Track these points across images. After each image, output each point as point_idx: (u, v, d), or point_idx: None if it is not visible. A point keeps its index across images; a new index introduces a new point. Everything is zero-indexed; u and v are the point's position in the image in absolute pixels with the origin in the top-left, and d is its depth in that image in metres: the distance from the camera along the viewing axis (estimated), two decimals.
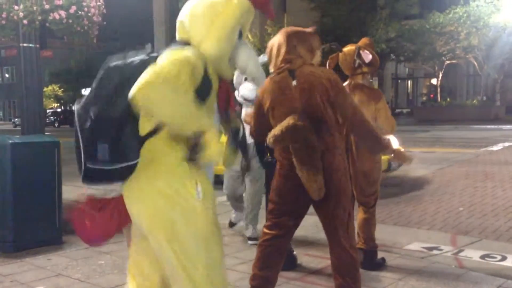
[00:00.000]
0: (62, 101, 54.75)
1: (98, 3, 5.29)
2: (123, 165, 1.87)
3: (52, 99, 52.78)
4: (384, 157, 6.90)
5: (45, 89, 45.35)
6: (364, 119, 2.85)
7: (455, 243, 4.54)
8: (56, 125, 45.57)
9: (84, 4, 5.02)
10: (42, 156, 4.40)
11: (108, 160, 1.86)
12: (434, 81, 35.67)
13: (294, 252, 3.94)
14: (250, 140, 3.80)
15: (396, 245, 4.36)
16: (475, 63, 29.87)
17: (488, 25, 27.41)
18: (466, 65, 33.43)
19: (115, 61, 1.95)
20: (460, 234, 4.91)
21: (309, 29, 2.91)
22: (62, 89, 51.47)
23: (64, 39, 6.01)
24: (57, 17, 4.84)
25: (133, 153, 1.88)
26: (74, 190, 7.59)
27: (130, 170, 1.89)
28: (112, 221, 2.02)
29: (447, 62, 30.64)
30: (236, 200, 4.66)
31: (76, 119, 1.88)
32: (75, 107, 1.91)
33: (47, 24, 4.96)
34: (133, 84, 1.75)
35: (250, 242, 4.43)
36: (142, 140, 1.90)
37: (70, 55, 49.15)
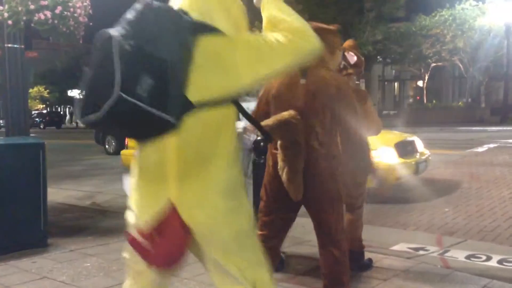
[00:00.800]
0: (47, 103, 54.29)
1: (84, 4, 5.25)
2: (160, 113, 1.54)
3: (37, 100, 52.31)
4: (410, 160, 6.91)
5: (30, 90, 44.93)
6: (363, 142, 2.88)
7: (441, 244, 4.58)
8: (41, 126, 45.16)
9: (70, 4, 4.98)
10: (26, 158, 4.35)
11: (146, 97, 1.52)
12: (420, 83, 35.94)
13: (282, 253, 3.94)
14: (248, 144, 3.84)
15: (383, 246, 4.38)
16: (461, 65, 30.19)
17: (473, 28, 27.72)
18: (451, 67, 33.73)
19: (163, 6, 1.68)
20: (446, 235, 4.95)
21: (332, 27, 2.88)
22: (47, 90, 51.05)
23: (49, 40, 5.96)
24: (43, 17, 4.79)
25: (173, 109, 1.57)
26: (59, 193, 7.57)
27: (161, 128, 1.59)
28: (175, 240, 1.76)
29: (433, 64, 30.91)
30: None
31: (113, 41, 1.54)
32: (110, 31, 1.59)
33: (32, 25, 4.91)
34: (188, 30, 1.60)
35: None
36: (187, 107, 1.61)
37: (56, 56, 48.77)
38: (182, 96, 1.60)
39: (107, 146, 15.34)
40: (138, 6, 1.65)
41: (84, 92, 1.60)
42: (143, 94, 1.52)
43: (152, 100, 1.52)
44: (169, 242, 1.74)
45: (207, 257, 1.82)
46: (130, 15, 1.64)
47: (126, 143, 8.83)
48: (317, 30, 2.75)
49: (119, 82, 1.49)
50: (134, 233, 1.80)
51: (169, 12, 1.67)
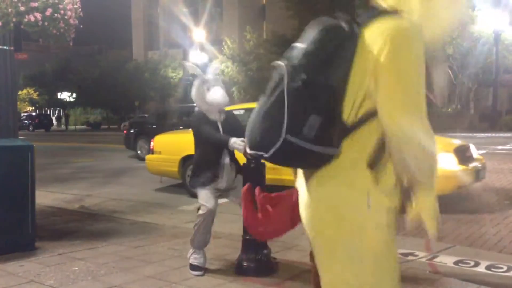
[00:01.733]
0: (37, 105, 53.96)
1: (75, 6, 5.23)
2: (324, 150, 1.51)
3: (26, 103, 51.99)
4: (470, 167, 6.50)
5: (19, 92, 44.62)
6: None
7: (429, 249, 4.59)
8: (30, 129, 44.84)
9: (61, 6, 4.95)
10: (15, 160, 4.32)
11: (312, 137, 1.48)
12: None
13: (273, 259, 3.94)
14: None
15: None
16: (450, 72, 30.43)
17: (463, 35, 27.96)
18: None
19: (330, 21, 1.62)
20: (435, 240, 4.98)
21: None
22: (37, 93, 50.76)
23: (39, 42, 5.91)
24: (33, 19, 4.76)
25: (337, 140, 1.53)
26: (47, 196, 7.52)
27: (322, 160, 1.55)
28: (285, 218, 1.81)
29: None
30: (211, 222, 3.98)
31: (285, 76, 1.51)
32: (280, 63, 1.56)
33: (22, 27, 4.88)
34: (354, 47, 1.51)
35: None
36: (346, 132, 1.55)
37: (46, 58, 48.52)
38: (342, 123, 1.55)
39: (139, 152, 14.81)
40: (312, 30, 1.62)
41: (259, 118, 1.58)
42: (310, 134, 1.49)
43: (317, 138, 1.50)
44: (277, 216, 1.81)
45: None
46: (304, 42, 1.60)
47: (151, 147, 8.75)
48: None
49: (286, 125, 1.48)
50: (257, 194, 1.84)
51: (339, 29, 1.59)
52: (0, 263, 4.04)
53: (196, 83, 3.92)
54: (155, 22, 49.75)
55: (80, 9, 5.35)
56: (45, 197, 7.26)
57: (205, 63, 34.50)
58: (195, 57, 32.85)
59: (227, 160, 3.89)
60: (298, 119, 1.49)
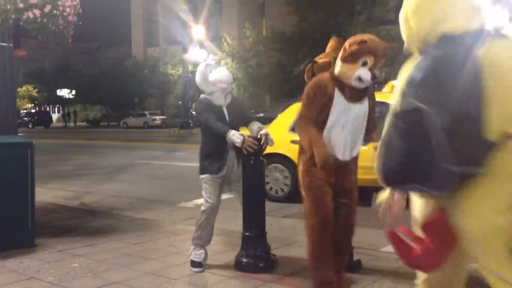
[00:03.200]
0: (36, 102, 53.91)
1: (74, 3, 5.21)
2: (473, 170, 1.62)
3: (26, 100, 51.91)
4: None
5: (19, 89, 44.57)
6: None
7: None
8: (30, 126, 44.82)
9: (59, 3, 4.94)
10: (14, 157, 4.31)
11: (454, 161, 1.59)
12: None
13: (273, 255, 3.94)
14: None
15: (372, 247, 4.39)
16: None
17: None
18: None
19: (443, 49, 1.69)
20: None
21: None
22: (36, 90, 50.70)
23: (38, 39, 5.90)
24: (31, 16, 4.75)
25: (484, 161, 1.64)
26: (47, 192, 7.52)
27: (468, 177, 1.65)
28: (442, 244, 1.77)
29: None
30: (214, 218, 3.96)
31: (428, 121, 1.59)
32: (418, 105, 1.61)
33: (21, 23, 4.87)
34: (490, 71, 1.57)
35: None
36: (490, 149, 1.63)
37: (45, 55, 48.46)
38: (483, 141, 1.61)
39: None
40: (430, 56, 1.70)
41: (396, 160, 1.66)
42: (449, 159, 1.59)
43: (466, 165, 1.60)
44: (436, 242, 1.76)
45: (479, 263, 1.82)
46: (420, 67, 1.67)
47: None
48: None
49: (439, 158, 1.58)
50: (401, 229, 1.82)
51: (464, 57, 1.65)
52: (0, 259, 4.04)
53: (199, 67, 3.93)
54: (154, 19, 49.68)
55: (79, 6, 5.33)
56: (45, 194, 7.26)
57: (205, 60, 34.42)
58: (195, 54, 32.80)
59: (231, 148, 3.81)
60: (446, 149, 1.58)
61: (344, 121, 3.21)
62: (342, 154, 3.25)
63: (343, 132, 3.22)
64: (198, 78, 3.92)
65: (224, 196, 4.13)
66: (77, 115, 52.34)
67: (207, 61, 3.98)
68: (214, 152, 3.81)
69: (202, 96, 3.98)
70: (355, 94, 3.20)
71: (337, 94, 3.19)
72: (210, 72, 3.88)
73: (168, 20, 42.02)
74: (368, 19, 29.73)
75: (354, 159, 3.36)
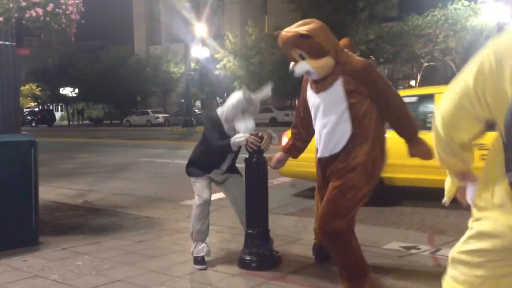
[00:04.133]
0: (39, 100, 54.00)
1: (77, 1, 5.21)
2: None
3: (29, 98, 52.01)
4: None
5: (22, 88, 44.65)
6: None
7: (432, 243, 4.60)
8: (33, 124, 44.95)
9: (62, 2, 4.94)
10: (18, 156, 4.33)
11: None
12: (412, 82, 36.06)
13: (275, 252, 3.94)
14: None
15: (375, 245, 4.39)
16: (453, 65, 30.30)
17: (465, 28, 27.84)
18: (444, 67, 33.87)
19: None
20: (437, 234, 4.98)
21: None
22: (39, 88, 50.78)
23: (41, 37, 5.91)
24: (34, 14, 4.75)
25: None
26: (51, 191, 7.54)
27: None
28: None
29: (426, 64, 31.01)
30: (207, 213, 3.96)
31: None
32: None
33: (24, 22, 4.88)
34: None
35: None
36: None
37: (48, 53, 48.48)
38: None
39: None
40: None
41: None
42: None
43: None
44: None
45: None
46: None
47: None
48: None
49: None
50: None
51: None
52: (4, 258, 4.06)
53: (239, 96, 3.77)
54: (156, 17, 49.70)
55: (81, 4, 5.34)
56: (49, 192, 7.28)
57: (207, 57, 34.47)
58: (197, 52, 32.81)
59: (226, 166, 3.99)
60: None
61: (315, 112, 3.31)
62: (322, 150, 3.31)
63: (317, 126, 3.32)
64: (230, 105, 3.79)
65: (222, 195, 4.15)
66: (74, 114, 52.36)
67: (252, 100, 3.78)
68: (205, 162, 3.96)
69: (219, 111, 3.90)
70: (316, 84, 3.27)
71: (308, 87, 3.38)
72: (243, 113, 3.74)
73: (170, 18, 42.03)
74: (370, 16, 29.70)
75: (336, 156, 3.24)
